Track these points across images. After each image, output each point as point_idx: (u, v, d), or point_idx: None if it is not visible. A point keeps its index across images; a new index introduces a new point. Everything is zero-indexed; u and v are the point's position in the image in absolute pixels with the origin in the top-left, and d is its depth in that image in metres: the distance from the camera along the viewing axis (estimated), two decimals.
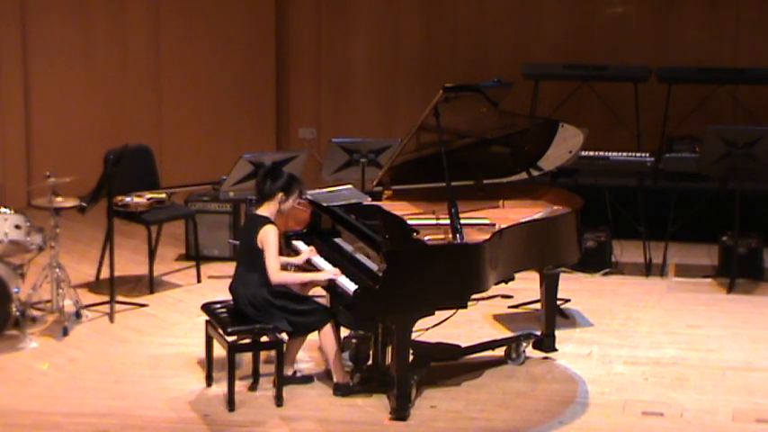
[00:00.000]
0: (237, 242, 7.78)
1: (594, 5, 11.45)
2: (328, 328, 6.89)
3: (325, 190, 7.48)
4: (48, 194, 8.08)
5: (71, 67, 11.54)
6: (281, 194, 6.92)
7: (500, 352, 7.51)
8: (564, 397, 7.03)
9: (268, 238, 6.81)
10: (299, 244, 7.31)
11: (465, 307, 6.72)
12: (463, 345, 7.40)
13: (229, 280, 7.05)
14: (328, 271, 6.88)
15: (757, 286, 9.19)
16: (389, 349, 6.93)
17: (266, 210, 6.93)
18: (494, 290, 6.97)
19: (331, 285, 6.88)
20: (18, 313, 7.90)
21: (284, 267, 7.08)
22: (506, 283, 7.09)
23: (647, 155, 9.70)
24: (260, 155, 8.68)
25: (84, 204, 8.11)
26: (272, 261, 6.81)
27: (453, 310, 6.99)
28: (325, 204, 7.30)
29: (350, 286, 6.62)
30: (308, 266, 7.13)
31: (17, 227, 7.93)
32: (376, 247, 6.67)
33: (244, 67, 11.75)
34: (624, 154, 9.70)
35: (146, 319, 8.37)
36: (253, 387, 7.08)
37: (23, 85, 11.42)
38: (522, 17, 11.52)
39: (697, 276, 9.43)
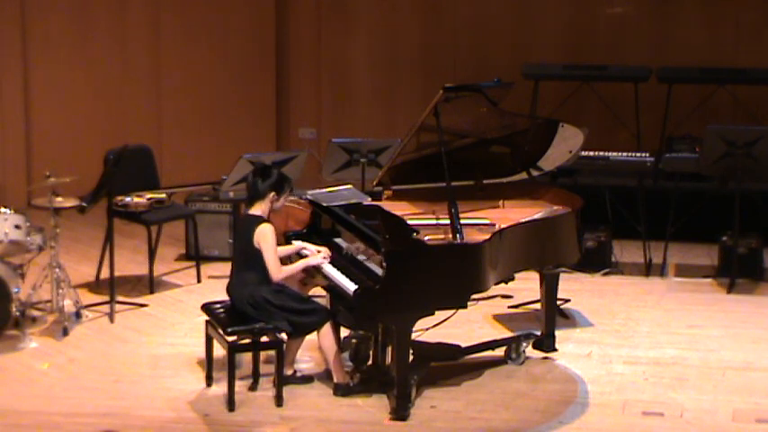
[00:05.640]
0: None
1: (594, 5, 11.45)
2: (327, 328, 6.89)
3: (325, 190, 7.49)
4: (48, 194, 8.08)
5: (71, 67, 11.53)
6: (272, 193, 6.92)
7: (500, 352, 7.51)
8: (564, 397, 7.03)
9: (265, 236, 6.81)
10: (299, 244, 7.30)
11: (465, 307, 6.72)
12: (463, 345, 7.40)
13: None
14: (316, 255, 6.96)
15: (757, 286, 9.19)
16: (389, 349, 6.94)
17: (259, 209, 6.93)
18: (494, 290, 6.98)
19: (331, 285, 6.88)
20: (18, 313, 7.90)
21: (284, 261, 7.10)
22: (506, 283, 7.10)
23: (647, 155, 9.70)
24: (260, 155, 8.68)
25: (84, 204, 8.11)
26: (272, 259, 6.82)
27: (453, 310, 6.99)
28: (325, 204, 7.30)
29: (350, 286, 6.62)
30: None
31: (17, 227, 7.93)
32: (376, 247, 6.67)
33: (244, 67, 11.75)
34: (624, 154, 9.70)
35: (146, 319, 8.38)
36: (253, 387, 7.08)
37: (23, 86, 11.41)
38: (522, 17, 11.52)
39: (697, 276, 9.43)
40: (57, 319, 8.12)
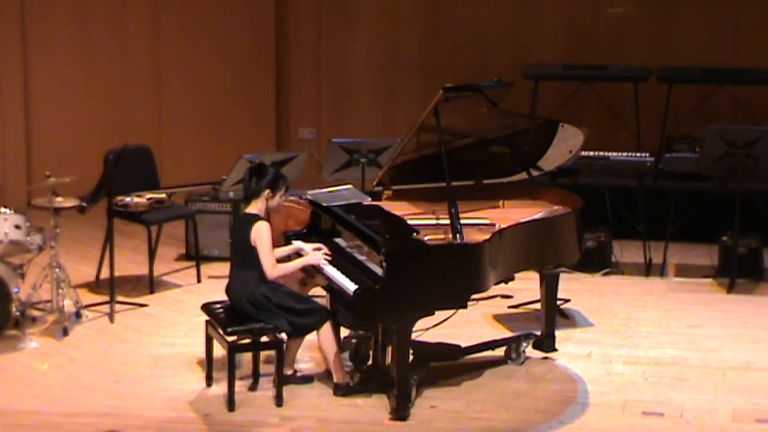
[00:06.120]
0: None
1: (595, 5, 11.45)
2: (327, 328, 6.89)
3: (325, 190, 7.49)
4: (48, 194, 8.08)
5: (71, 67, 11.53)
6: (267, 191, 6.92)
7: (500, 352, 7.51)
8: (564, 397, 7.03)
9: (261, 235, 6.81)
10: (299, 244, 7.30)
11: (465, 307, 6.72)
12: (463, 345, 7.40)
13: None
14: (313, 253, 6.94)
15: (757, 286, 9.19)
16: (389, 349, 6.94)
17: (254, 208, 6.93)
18: (494, 290, 6.98)
19: (331, 285, 6.88)
20: (18, 313, 7.91)
21: (282, 261, 7.09)
22: (506, 283, 7.09)
23: (647, 155, 9.70)
24: (260, 155, 8.68)
25: (84, 204, 8.11)
26: (267, 257, 6.82)
27: (453, 310, 6.99)
28: (325, 204, 7.30)
29: (350, 286, 6.62)
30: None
31: (17, 227, 7.93)
32: (376, 247, 6.67)
33: (244, 67, 11.74)
34: (624, 154, 9.70)
35: (146, 319, 8.38)
36: (253, 387, 7.08)
37: (23, 85, 11.42)
38: (522, 17, 11.52)
39: (697, 276, 9.43)
40: (57, 319, 8.12)
